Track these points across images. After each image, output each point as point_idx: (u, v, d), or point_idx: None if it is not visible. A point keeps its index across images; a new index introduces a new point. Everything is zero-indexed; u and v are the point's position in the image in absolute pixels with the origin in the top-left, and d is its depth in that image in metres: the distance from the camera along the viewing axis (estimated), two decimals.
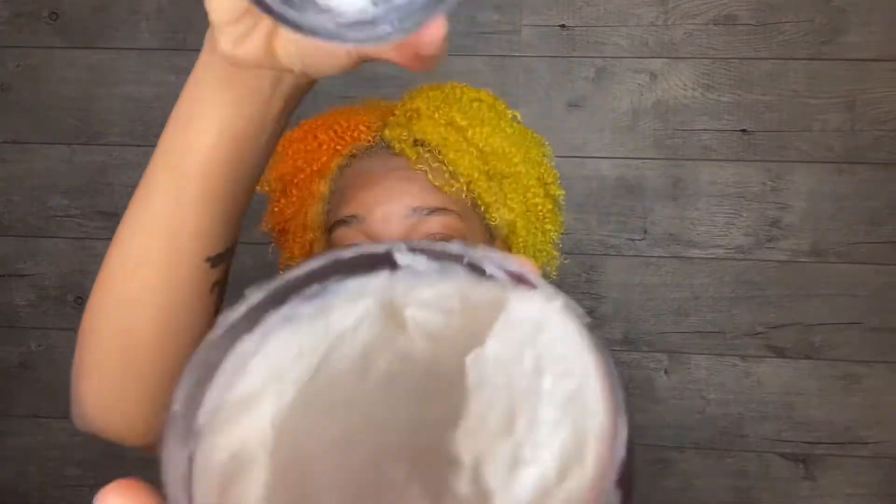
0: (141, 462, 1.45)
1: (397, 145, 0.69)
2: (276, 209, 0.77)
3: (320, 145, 0.72)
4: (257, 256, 1.32)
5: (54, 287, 1.31)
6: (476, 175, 0.69)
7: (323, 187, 0.72)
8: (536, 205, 0.76)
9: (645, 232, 1.25)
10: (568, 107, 1.24)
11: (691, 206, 1.24)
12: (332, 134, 0.73)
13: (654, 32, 1.22)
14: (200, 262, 0.57)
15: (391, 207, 0.67)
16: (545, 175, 0.76)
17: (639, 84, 1.23)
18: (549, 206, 0.77)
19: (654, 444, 1.28)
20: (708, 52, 1.22)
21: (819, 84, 1.21)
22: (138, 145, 1.28)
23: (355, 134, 0.72)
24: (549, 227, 0.78)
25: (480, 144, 0.71)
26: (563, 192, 0.78)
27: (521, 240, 0.76)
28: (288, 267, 0.81)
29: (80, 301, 1.31)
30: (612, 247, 1.26)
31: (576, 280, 1.26)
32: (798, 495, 1.27)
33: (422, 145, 0.69)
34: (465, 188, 0.69)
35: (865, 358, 1.25)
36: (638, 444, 1.35)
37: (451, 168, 0.69)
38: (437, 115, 0.71)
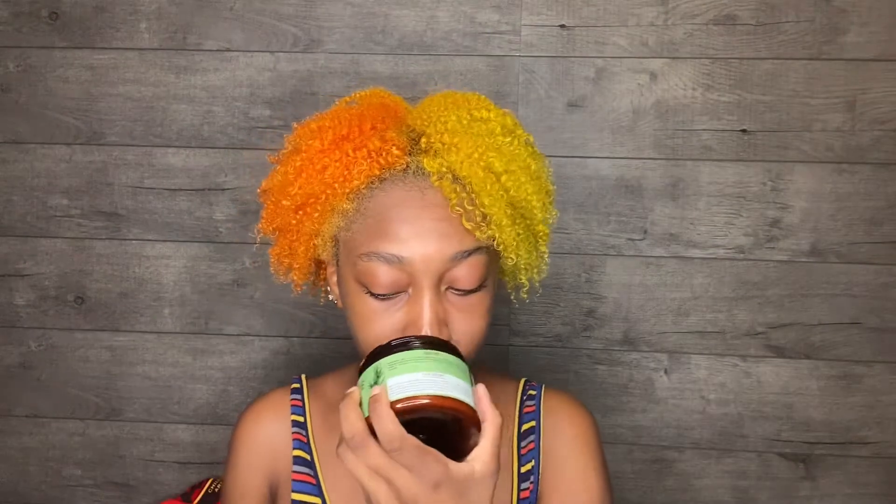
0: (142, 462, 1.46)
1: (435, 179, 0.71)
2: (291, 221, 0.77)
3: (351, 165, 0.73)
4: (257, 256, 1.33)
5: (54, 287, 1.31)
6: (505, 222, 0.72)
7: (346, 204, 0.73)
8: (538, 232, 0.79)
9: (645, 232, 1.25)
10: (568, 107, 1.24)
11: (691, 206, 1.24)
12: (364, 153, 0.73)
13: (654, 32, 1.22)
14: None
15: (433, 250, 0.70)
16: (547, 200, 0.78)
17: (639, 84, 1.23)
18: (546, 232, 0.80)
19: (654, 444, 1.28)
20: (708, 52, 1.22)
21: (819, 84, 1.21)
22: (138, 145, 1.28)
23: (389, 159, 0.72)
24: (542, 248, 0.81)
25: (511, 191, 0.73)
26: (557, 212, 0.81)
27: (522, 262, 0.78)
28: (279, 259, 0.82)
29: (80, 301, 1.31)
30: (612, 247, 1.26)
31: (576, 280, 1.26)
32: (798, 495, 1.27)
33: (457, 181, 0.71)
34: (495, 234, 0.72)
35: (865, 358, 1.25)
36: (638, 444, 1.37)
37: (482, 212, 0.71)
38: (475, 155, 0.72)
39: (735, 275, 1.25)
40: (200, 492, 1.25)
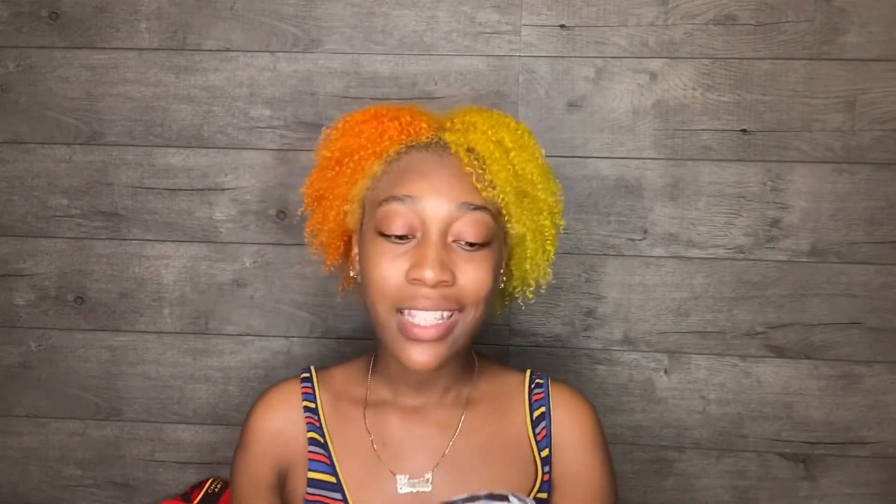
0: (142, 462, 1.46)
1: (453, 147, 0.83)
2: (328, 175, 0.89)
3: (384, 131, 0.85)
4: (257, 256, 1.33)
5: (54, 287, 1.31)
6: (508, 189, 0.83)
7: (377, 166, 0.85)
8: (543, 227, 0.88)
9: (645, 232, 1.25)
10: (568, 107, 1.24)
11: (691, 206, 1.24)
12: (396, 124, 0.85)
13: (654, 32, 1.22)
14: None
15: (443, 198, 0.80)
16: (554, 206, 0.89)
17: (639, 84, 1.23)
18: (553, 232, 0.89)
19: (654, 444, 1.28)
20: (708, 52, 1.22)
21: (819, 84, 1.21)
22: (138, 145, 1.28)
23: (417, 129, 0.85)
24: (549, 247, 0.90)
25: (517, 166, 0.84)
26: (564, 222, 0.91)
27: (528, 252, 0.89)
28: (314, 231, 0.94)
29: (81, 301, 1.31)
30: (612, 247, 1.26)
31: (576, 280, 1.26)
32: (798, 495, 1.27)
33: (472, 153, 0.83)
34: (499, 197, 0.82)
35: (865, 358, 1.25)
36: (638, 444, 1.36)
37: (491, 178, 0.82)
38: (489, 132, 0.84)
39: (735, 275, 1.25)
40: (200, 492, 1.25)
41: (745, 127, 1.22)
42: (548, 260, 0.91)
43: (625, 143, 1.24)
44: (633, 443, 1.28)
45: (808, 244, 1.23)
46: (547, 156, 1.20)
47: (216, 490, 1.25)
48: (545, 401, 0.92)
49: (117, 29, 1.27)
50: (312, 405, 0.93)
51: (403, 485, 0.88)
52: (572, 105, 1.24)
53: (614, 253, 1.26)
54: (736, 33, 1.21)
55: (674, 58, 1.22)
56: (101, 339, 1.32)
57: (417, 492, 0.87)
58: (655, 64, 1.23)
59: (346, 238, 0.93)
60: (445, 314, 0.81)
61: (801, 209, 1.23)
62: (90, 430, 1.33)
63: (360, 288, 0.88)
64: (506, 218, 0.85)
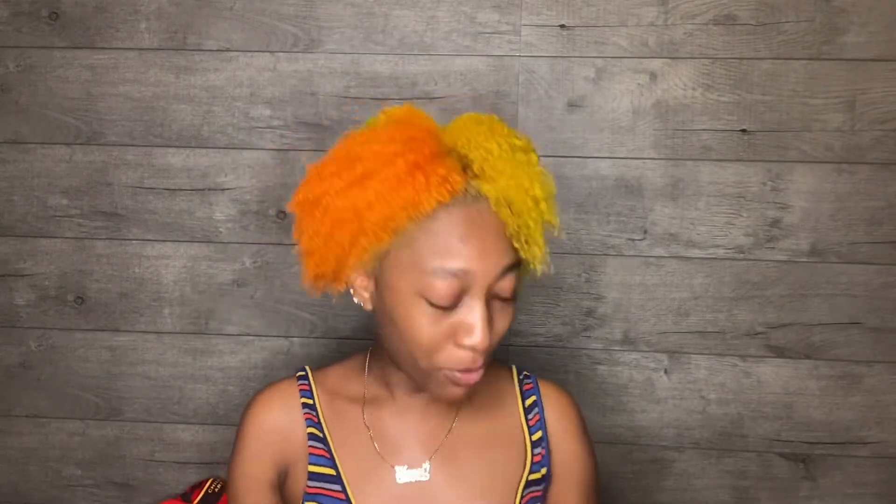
0: (142, 462, 1.46)
1: (494, 205, 0.80)
2: (347, 229, 0.81)
3: (422, 191, 0.79)
4: (257, 256, 1.33)
5: (54, 287, 1.31)
6: (541, 241, 0.83)
7: (411, 225, 0.80)
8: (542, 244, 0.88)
9: (645, 232, 1.25)
10: (568, 107, 1.24)
11: (691, 206, 1.24)
12: (435, 181, 0.79)
13: (654, 32, 1.22)
14: None
15: (491, 266, 0.80)
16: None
17: (639, 84, 1.23)
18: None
19: (654, 444, 1.28)
20: (708, 52, 1.22)
21: (819, 84, 1.21)
22: (138, 145, 1.28)
23: (456, 186, 0.80)
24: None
25: (546, 216, 0.83)
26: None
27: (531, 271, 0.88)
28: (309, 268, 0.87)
29: (81, 301, 1.31)
30: (612, 247, 1.26)
31: (576, 280, 1.26)
32: (798, 495, 1.27)
33: (511, 208, 0.81)
34: (534, 252, 0.83)
35: (865, 358, 1.25)
36: (638, 444, 1.36)
37: (527, 235, 0.82)
38: (525, 185, 0.81)
39: (735, 275, 1.25)
40: (200, 492, 1.25)
41: (745, 127, 1.22)
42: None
43: (625, 143, 1.24)
44: (633, 443, 1.28)
45: (808, 244, 1.23)
46: (547, 156, 1.21)
47: (216, 490, 1.25)
48: (535, 391, 0.98)
49: (117, 29, 1.27)
50: (310, 401, 0.95)
51: (402, 475, 0.91)
52: (572, 105, 1.24)
53: (614, 253, 1.26)
54: (736, 33, 1.21)
55: (674, 58, 1.22)
56: (101, 339, 1.32)
57: (415, 481, 0.90)
58: (655, 64, 1.23)
59: (339, 273, 0.87)
60: None
61: (801, 209, 1.23)
62: (90, 430, 1.33)
63: (383, 328, 0.86)
64: (534, 264, 0.84)
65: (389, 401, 0.94)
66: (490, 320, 0.82)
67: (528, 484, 0.93)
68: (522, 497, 0.92)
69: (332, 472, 0.91)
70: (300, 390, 0.95)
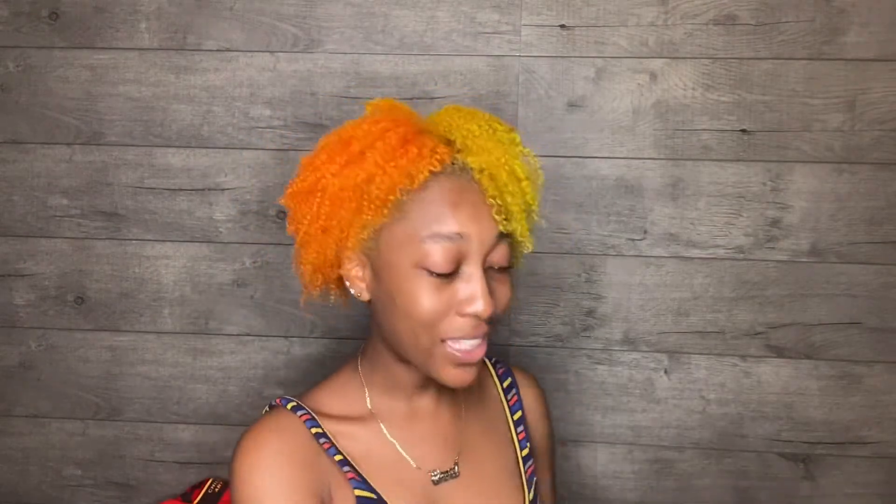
0: (141, 462, 1.46)
1: (477, 175, 0.83)
2: (347, 206, 0.83)
3: (415, 161, 0.81)
4: (257, 256, 1.33)
5: (54, 287, 1.31)
6: (520, 217, 0.85)
7: (405, 197, 0.81)
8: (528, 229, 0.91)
9: (645, 232, 1.25)
10: (568, 107, 1.24)
11: (691, 206, 1.24)
12: (427, 152, 0.82)
13: (654, 32, 1.22)
14: None
15: (484, 232, 0.82)
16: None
17: (639, 84, 1.23)
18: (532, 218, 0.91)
19: (654, 444, 1.28)
20: (708, 52, 1.22)
21: (819, 84, 1.21)
22: (138, 145, 1.28)
23: (445, 157, 0.82)
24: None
25: (528, 196, 0.86)
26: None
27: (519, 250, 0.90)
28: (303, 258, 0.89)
29: (80, 301, 1.31)
30: (612, 247, 1.26)
31: (576, 280, 1.26)
32: (798, 495, 1.27)
33: (493, 180, 0.83)
34: (514, 227, 0.85)
35: (865, 358, 1.25)
36: (638, 444, 1.36)
37: (507, 209, 0.83)
38: (503, 160, 0.84)
39: (735, 275, 1.25)
40: (200, 492, 1.25)
41: (745, 127, 1.22)
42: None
43: (625, 143, 1.24)
44: (633, 443, 1.29)
45: (808, 244, 1.24)
46: (547, 156, 1.21)
47: (216, 490, 1.25)
48: (509, 373, 1.03)
49: (117, 29, 1.27)
50: (320, 430, 0.88)
51: (437, 478, 0.91)
52: (572, 105, 1.24)
53: (614, 253, 1.26)
54: (736, 33, 1.21)
55: (674, 58, 1.22)
56: (101, 339, 1.32)
57: (450, 482, 0.92)
58: (655, 64, 1.23)
59: (337, 261, 0.87)
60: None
61: (801, 209, 1.23)
62: (90, 430, 1.33)
63: (383, 312, 0.85)
64: (518, 239, 0.87)
65: (401, 408, 0.92)
66: (490, 288, 0.83)
67: (524, 461, 0.98)
68: (525, 473, 0.97)
69: (373, 495, 0.86)
70: (304, 420, 0.88)
